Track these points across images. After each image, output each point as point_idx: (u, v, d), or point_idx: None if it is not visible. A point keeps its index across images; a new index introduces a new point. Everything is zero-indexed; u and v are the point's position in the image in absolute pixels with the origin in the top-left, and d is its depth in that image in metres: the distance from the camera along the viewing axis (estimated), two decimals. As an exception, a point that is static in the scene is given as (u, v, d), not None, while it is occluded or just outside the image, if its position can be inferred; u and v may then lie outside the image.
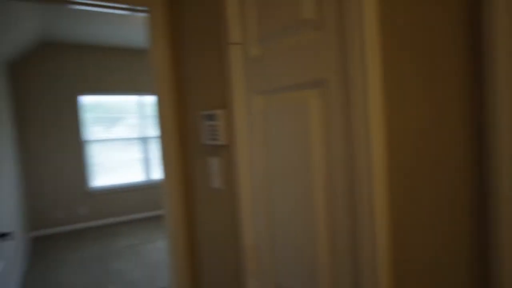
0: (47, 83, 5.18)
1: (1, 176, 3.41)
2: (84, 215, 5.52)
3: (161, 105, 1.74)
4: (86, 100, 5.54)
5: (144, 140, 6.03)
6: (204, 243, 1.64)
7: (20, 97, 5.02)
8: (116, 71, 5.67)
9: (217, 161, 1.39)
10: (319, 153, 0.87)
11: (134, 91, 5.85)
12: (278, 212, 1.07)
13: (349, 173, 0.79)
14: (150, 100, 6.03)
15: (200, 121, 1.52)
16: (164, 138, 1.76)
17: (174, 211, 1.77)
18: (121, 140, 5.83)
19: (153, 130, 6.06)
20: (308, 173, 0.91)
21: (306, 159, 0.91)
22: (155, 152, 6.10)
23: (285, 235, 1.04)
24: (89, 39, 5.04)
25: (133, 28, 4.64)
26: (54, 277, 3.79)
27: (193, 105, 1.59)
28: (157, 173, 6.15)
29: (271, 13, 1.00)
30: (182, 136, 1.76)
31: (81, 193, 5.49)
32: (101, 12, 3.96)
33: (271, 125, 1.06)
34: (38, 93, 5.13)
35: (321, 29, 0.81)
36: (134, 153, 5.95)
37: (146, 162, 6.06)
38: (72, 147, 5.40)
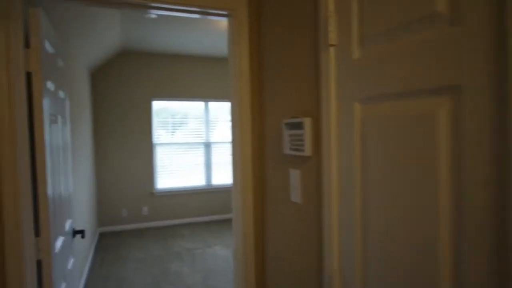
0: (122, 89, 5.53)
1: (80, 176, 3.67)
2: (147, 215, 5.75)
3: (237, 110, 1.68)
4: (154, 105, 5.82)
5: (207, 145, 6.15)
6: (276, 261, 1.53)
7: (97, 102, 5.41)
8: (185, 77, 5.89)
9: (298, 173, 1.28)
10: (447, 177, 0.71)
11: (200, 97, 6.01)
12: (376, 235, 0.92)
13: (496, 214, 0.62)
14: (214, 106, 6.15)
15: (281, 129, 1.42)
16: (238, 144, 1.69)
17: (243, 222, 1.69)
18: (184, 144, 6.01)
19: (216, 135, 6.16)
20: (430, 203, 0.75)
21: (425, 182, 0.76)
22: (217, 157, 6.19)
23: (385, 264, 0.89)
24: (162, 47, 5.29)
25: (204, 36, 4.77)
26: (116, 272, 3.95)
27: (273, 112, 1.51)
28: (218, 178, 6.22)
29: (381, 9, 0.88)
30: (258, 144, 1.68)
31: (145, 194, 5.73)
32: (175, 21, 4.11)
33: (372, 138, 0.92)
34: (113, 99, 5.49)
35: (459, 24, 0.67)
36: (196, 157, 6.10)
37: (208, 167, 6.17)
38: (141, 150, 5.68)
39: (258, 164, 1.67)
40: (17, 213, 1.26)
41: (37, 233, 1.40)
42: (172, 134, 5.95)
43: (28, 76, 1.45)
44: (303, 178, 1.25)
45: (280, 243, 1.47)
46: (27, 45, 1.45)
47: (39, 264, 1.43)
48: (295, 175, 1.30)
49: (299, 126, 1.22)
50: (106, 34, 4.23)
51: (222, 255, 4.47)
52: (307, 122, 1.18)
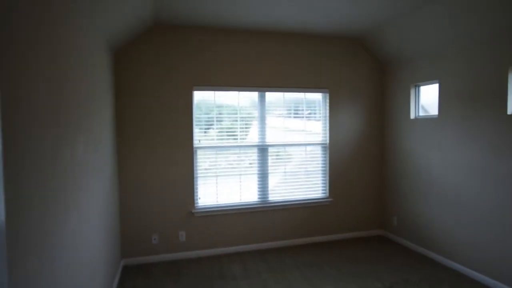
0: (154, 76, 4.16)
1: (93, 196, 2.27)
2: (184, 242, 4.37)
3: None
4: (195, 96, 4.42)
5: (261, 149, 4.68)
6: None
7: (120, 93, 4.08)
8: (235, 59, 4.44)
9: None
10: None
11: (253, 85, 4.55)
12: None
13: None
14: (272, 97, 4.65)
15: None
16: None
17: None
18: (230, 148, 4.58)
19: (273, 136, 4.68)
20: None
21: None
22: (274, 165, 4.71)
23: None
24: (208, 16, 3.86)
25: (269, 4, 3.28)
26: None
27: None
28: (276, 193, 4.74)
29: None
30: None
31: (182, 214, 4.35)
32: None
33: None
34: (142, 88, 4.14)
35: None
36: (247, 164, 4.65)
37: (263, 177, 4.70)
38: (178, 156, 4.30)
39: None
40: None
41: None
42: (208, 134, 4.54)
43: None
44: None
45: None
46: None
47: None
48: None
49: None
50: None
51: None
52: None
